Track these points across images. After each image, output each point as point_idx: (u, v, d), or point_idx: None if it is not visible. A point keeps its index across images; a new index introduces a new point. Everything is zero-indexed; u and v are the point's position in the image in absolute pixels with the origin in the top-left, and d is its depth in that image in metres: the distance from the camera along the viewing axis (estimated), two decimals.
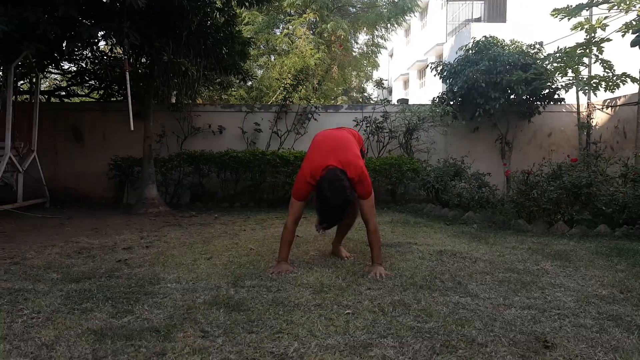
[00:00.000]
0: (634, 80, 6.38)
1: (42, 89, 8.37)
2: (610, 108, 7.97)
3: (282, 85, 9.21)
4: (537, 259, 3.48)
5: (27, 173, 6.73)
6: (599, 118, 8.21)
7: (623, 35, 6.47)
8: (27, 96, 7.67)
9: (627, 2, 6.10)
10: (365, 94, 10.74)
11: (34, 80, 7.03)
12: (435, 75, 8.50)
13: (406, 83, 25.96)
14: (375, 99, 10.10)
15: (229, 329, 2.02)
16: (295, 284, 2.72)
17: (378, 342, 1.87)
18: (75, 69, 8.53)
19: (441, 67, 8.27)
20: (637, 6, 6.10)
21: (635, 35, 6.21)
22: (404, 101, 9.55)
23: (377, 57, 16.62)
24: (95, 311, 2.28)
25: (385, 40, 16.12)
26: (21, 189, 6.55)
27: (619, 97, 7.72)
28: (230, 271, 3.06)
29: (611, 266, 3.26)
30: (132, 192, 7.63)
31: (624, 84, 6.50)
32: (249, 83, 10.57)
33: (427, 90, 18.05)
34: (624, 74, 6.44)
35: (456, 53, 8.37)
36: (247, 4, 6.31)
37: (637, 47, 6.19)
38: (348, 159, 2.97)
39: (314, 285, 2.69)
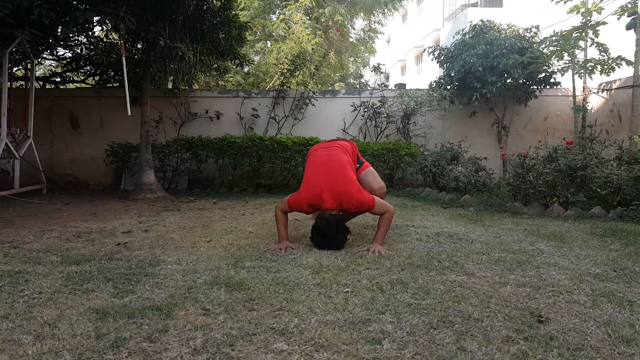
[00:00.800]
0: (629, 63, 6.39)
1: (37, 75, 8.29)
2: (605, 92, 7.99)
3: (280, 70, 9.15)
4: (533, 239, 3.53)
5: (24, 159, 6.71)
6: (595, 102, 8.23)
7: (619, 18, 6.48)
8: (22, 82, 7.61)
9: None
10: (363, 80, 10.67)
11: (29, 66, 6.96)
12: (432, 60, 8.47)
13: (403, 69, 25.84)
14: (373, 85, 10.07)
15: (230, 307, 2.05)
16: (294, 265, 2.76)
17: (376, 318, 1.91)
18: (70, 55, 8.45)
19: (438, 51, 8.24)
20: None
21: (630, 18, 6.22)
22: (401, 86, 9.53)
23: (374, 42, 16.51)
24: (97, 291, 2.31)
25: (382, 25, 16.01)
26: (18, 175, 6.53)
27: (614, 81, 7.73)
28: (230, 253, 3.09)
29: (605, 246, 3.31)
30: (129, 178, 7.63)
31: (619, 67, 6.52)
32: (246, 69, 10.51)
33: (424, 75, 18.00)
34: (619, 57, 6.45)
35: (453, 38, 8.33)
36: None
37: (632, 30, 6.21)
38: (343, 191, 3.15)
39: (313, 266, 2.73)
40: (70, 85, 9.71)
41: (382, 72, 10.25)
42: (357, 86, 9.46)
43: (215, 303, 2.10)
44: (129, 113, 5.56)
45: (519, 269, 2.68)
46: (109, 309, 2.05)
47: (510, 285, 2.38)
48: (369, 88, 9.26)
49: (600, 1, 6.59)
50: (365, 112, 8.18)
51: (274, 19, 13.41)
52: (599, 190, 4.75)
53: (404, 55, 24.64)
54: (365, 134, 8.30)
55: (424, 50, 9.02)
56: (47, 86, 9.18)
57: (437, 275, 2.54)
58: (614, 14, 6.45)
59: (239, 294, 2.23)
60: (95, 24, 6.03)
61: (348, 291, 2.26)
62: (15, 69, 7.28)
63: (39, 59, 8.42)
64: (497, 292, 2.26)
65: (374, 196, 3.25)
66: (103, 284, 2.43)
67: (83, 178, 8.14)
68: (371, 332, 1.76)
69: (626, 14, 6.34)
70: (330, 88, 14.52)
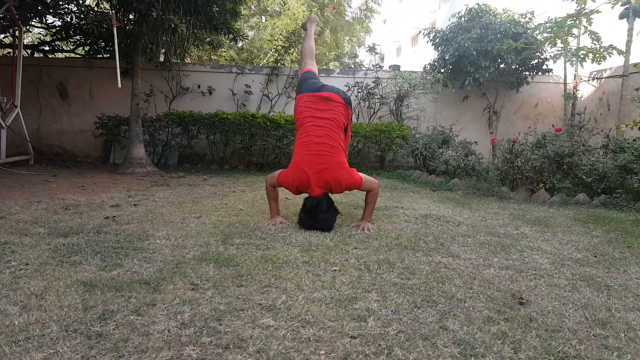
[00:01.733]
0: (620, 52, 6.42)
1: (25, 43, 8.08)
2: (596, 80, 8.03)
3: (274, 47, 9.03)
4: (518, 224, 3.59)
5: (10, 129, 6.60)
6: (585, 90, 8.28)
7: (612, 7, 6.48)
8: (10, 50, 7.41)
9: None
10: (358, 60, 10.58)
11: (17, 33, 6.78)
12: (427, 42, 8.41)
13: (399, 50, 25.63)
14: (368, 65, 10.00)
15: (218, 283, 2.08)
16: (284, 243, 2.78)
17: (362, 296, 1.95)
18: (60, 23, 8.23)
19: (433, 33, 8.18)
20: None
21: (623, 7, 6.22)
22: (395, 67, 9.47)
23: (370, 22, 16.33)
24: (84, 264, 2.31)
25: (379, 5, 15.80)
26: (4, 145, 6.44)
27: (605, 70, 7.77)
28: (219, 230, 3.10)
29: (587, 232, 3.39)
30: (118, 151, 7.56)
31: (610, 56, 6.55)
32: (240, 44, 10.35)
33: (420, 57, 17.87)
34: (610, 46, 6.48)
35: (449, 20, 8.27)
36: None
37: (625, 19, 6.22)
38: (332, 179, 3.13)
39: (302, 245, 2.76)
40: (60, 55, 9.49)
41: (377, 53, 10.16)
42: (352, 66, 9.39)
43: (204, 278, 2.13)
44: (119, 85, 5.47)
45: (502, 252, 2.74)
46: (96, 281, 2.06)
47: (494, 267, 2.44)
48: (363, 68, 9.20)
49: None
50: (359, 92, 8.14)
51: None
52: (584, 177, 4.82)
53: (400, 36, 24.41)
54: (359, 115, 8.28)
55: (420, 32, 8.94)
56: (36, 55, 8.96)
57: (423, 256, 2.58)
58: (608, 2, 6.44)
59: (228, 270, 2.25)
60: None
61: (336, 270, 2.30)
62: (2, 35, 7.09)
63: (27, 27, 8.19)
64: (480, 274, 2.31)
65: (361, 175, 3.27)
66: (91, 257, 2.43)
67: (71, 150, 8.04)
68: (357, 310, 1.80)
69: (620, 3, 6.34)
70: (324, 67, 14.37)
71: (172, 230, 3.08)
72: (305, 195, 3.28)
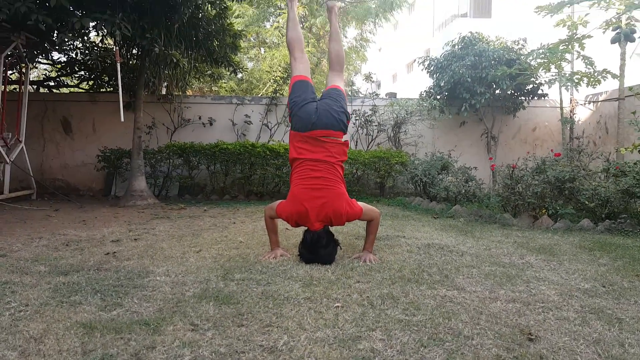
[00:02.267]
0: (614, 76, 6.50)
1: (31, 79, 8.23)
2: (592, 104, 8.11)
3: (273, 78, 9.17)
4: (522, 252, 3.55)
5: (14, 164, 6.63)
6: (582, 113, 8.35)
7: (604, 32, 6.60)
8: (16, 86, 7.54)
9: (607, 1, 6.23)
10: (355, 87, 10.74)
11: (23, 70, 6.90)
12: (422, 70, 8.55)
13: (395, 76, 26.01)
14: (364, 93, 10.14)
15: (218, 322, 2.03)
16: (284, 277, 2.75)
17: (366, 335, 1.90)
18: (65, 59, 8.41)
19: (428, 61, 8.32)
20: (617, 4, 6.22)
21: (615, 32, 6.35)
22: (392, 95, 9.58)
23: (366, 51, 16.63)
24: (84, 304, 2.28)
25: (374, 34, 16.15)
26: (8, 180, 6.46)
27: (600, 93, 7.86)
28: (219, 264, 3.07)
29: (594, 260, 3.34)
30: (120, 184, 7.58)
31: (604, 80, 6.64)
32: (240, 75, 10.51)
33: (416, 83, 18.11)
34: (604, 70, 6.57)
35: (443, 48, 8.43)
36: None
37: (617, 44, 6.33)
38: (332, 212, 3.07)
39: (303, 279, 2.72)
40: (64, 90, 9.64)
41: (373, 81, 10.31)
42: (349, 93, 9.51)
43: (204, 318, 2.08)
44: (122, 119, 5.53)
45: (508, 284, 2.70)
46: (96, 323, 2.02)
47: (501, 300, 2.39)
48: (360, 96, 9.31)
49: (586, 15, 6.73)
50: (357, 120, 8.21)
51: (268, 27, 13.46)
52: (587, 202, 4.80)
53: (396, 63, 24.83)
54: (357, 142, 8.33)
55: (414, 60, 9.10)
56: (41, 90, 9.10)
57: (427, 290, 2.54)
58: (599, 28, 6.58)
59: (228, 308, 2.22)
60: (91, 29, 6.01)
61: (338, 306, 2.25)
62: (9, 72, 7.22)
63: (34, 63, 8.36)
64: (487, 308, 2.26)
65: (361, 204, 3.23)
66: (91, 296, 2.40)
67: (73, 183, 8.06)
68: (361, 351, 1.76)
69: (611, 28, 6.47)
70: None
71: (172, 265, 3.04)
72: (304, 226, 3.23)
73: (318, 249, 3.03)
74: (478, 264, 3.16)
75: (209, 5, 6.58)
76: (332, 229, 3.26)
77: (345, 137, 3.33)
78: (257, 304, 2.27)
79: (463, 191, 6.04)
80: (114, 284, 2.60)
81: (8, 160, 6.45)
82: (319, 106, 3.24)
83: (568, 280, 2.81)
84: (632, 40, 6.29)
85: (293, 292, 2.45)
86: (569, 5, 6.62)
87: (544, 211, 4.99)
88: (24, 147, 6.80)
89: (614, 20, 6.39)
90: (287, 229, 4.36)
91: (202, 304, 2.27)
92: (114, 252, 3.42)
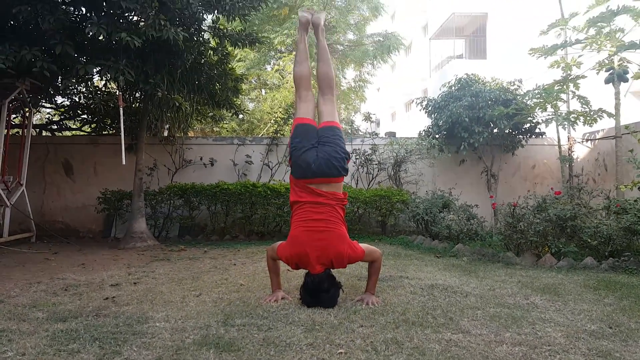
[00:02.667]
0: (610, 115, 6.62)
1: (34, 123, 8.38)
2: (590, 141, 8.22)
3: (273, 118, 9.34)
4: (527, 292, 3.51)
5: (15, 207, 6.65)
6: (580, 151, 8.44)
7: (597, 73, 6.77)
8: (19, 130, 7.67)
9: (599, 43, 6.43)
10: (354, 126, 10.93)
11: (27, 114, 7.05)
12: (420, 110, 8.72)
13: (393, 115, 26.48)
14: (364, 132, 10.30)
15: None
16: (286, 322, 2.70)
17: None
18: (68, 103, 8.58)
19: (426, 102, 8.50)
20: (608, 46, 6.41)
21: (607, 73, 6.52)
22: (391, 134, 9.73)
23: (364, 91, 17.02)
24: (82, 353, 2.23)
25: (372, 75, 16.57)
26: (7, 223, 6.45)
27: (598, 131, 7.97)
28: (220, 309, 3.02)
29: (599, 300, 3.29)
30: (120, 225, 7.56)
31: (600, 119, 6.74)
32: (241, 116, 10.71)
33: (414, 122, 18.44)
34: (600, 109, 6.69)
35: (440, 89, 8.64)
36: (239, 44, 6.48)
37: (610, 84, 6.49)
38: (335, 255, 3.03)
39: (305, 323, 2.67)
40: (67, 133, 9.79)
41: (372, 121, 10.50)
42: (349, 132, 9.66)
43: None
44: (124, 162, 5.58)
45: (514, 326, 2.65)
46: None
47: (506, 344, 2.35)
48: (360, 135, 9.46)
49: (579, 57, 6.92)
50: (357, 159, 8.30)
51: (269, 70, 13.84)
52: (589, 240, 4.78)
53: (394, 102, 25.35)
54: (358, 181, 8.37)
55: (412, 100, 9.30)
56: (44, 133, 9.24)
57: (432, 334, 2.49)
58: (593, 69, 6.75)
59: (229, 355, 2.17)
60: (95, 75, 6.18)
61: (342, 352, 2.21)
62: (13, 116, 7.37)
63: (38, 108, 8.54)
64: (493, 352, 2.22)
65: (363, 245, 3.20)
66: (89, 344, 2.35)
67: (73, 225, 8.05)
68: None
69: (604, 69, 6.64)
70: None
71: (171, 310, 3.00)
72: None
73: (320, 293, 2.98)
74: (483, 305, 3.12)
75: (211, 52, 6.80)
76: (334, 270, 3.23)
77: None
78: (258, 351, 2.23)
79: (465, 229, 6.02)
80: (113, 331, 2.56)
81: (8, 204, 6.48)
82: (319, 154, 3.16)
83: (574, 321, 2.77)
84: (625, 80, 6.44)
85: (295, 338, 2.41)
86: (561, 48, 6.83)
87: (546, 249, 4.96)
88: (25, 190, 6.83)
89: (606, 62, 6.57)
90: (288, 270, 4.30)
91: (202, 351, 2.23)
92: (113, 297, 3.38)
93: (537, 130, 8.17)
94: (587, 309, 3.05)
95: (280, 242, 3.29)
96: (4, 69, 4.60)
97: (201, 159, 8.28)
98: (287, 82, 12.21)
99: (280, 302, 3.14)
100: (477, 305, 3.11)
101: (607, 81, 6.56)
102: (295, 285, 3.71)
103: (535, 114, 7.54)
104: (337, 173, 3.18)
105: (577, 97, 6.87)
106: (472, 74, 8.36)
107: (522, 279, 4.01)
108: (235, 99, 7.77)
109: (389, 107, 26.50)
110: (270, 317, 2.80)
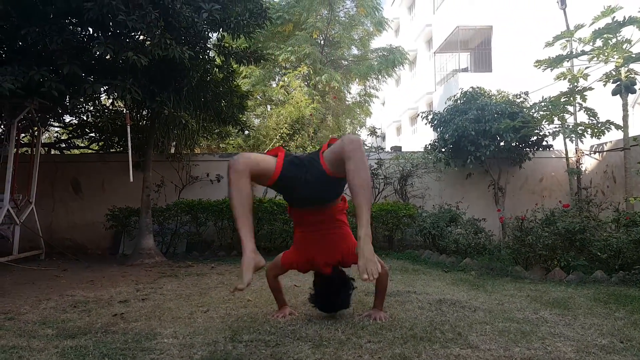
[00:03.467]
0: (617, 127, 6.58)
1: (42, 142, 8.51)
2: (598, 153, 8.17)
3: (279, 134, 9.42)
4: (536, 307, 3.47)
5: (24, 225, 6.72)
6: (588, 163, 8.39)
7: (604, 85, 6.75)
8: (28, 149, 7.79)
9: (606, 54, 6.42)
10: None
11: (36, 133, 7.16)
12: (426, 124, 8.74)
13: (399, 129, 26.53)
14: (369, 146, 10.35)
15: None
16: (294, 338, 2.69)
17: None
18: (76, 121, 8.73)
19: (432, 116, 8.53)
20: (615, 57, 6.41)
21: (615, 84, 6.50)
22: (397, 148, 9.76)
23: (369, 105, 17.13)
24: None
25: (377, 90, 16.69)
26: (17, 241, 6.52)
27: (605, 143, 7.93)
28: (227, 325, 3.03)
29: (610, 314, 3.25)
30: (128, 242, 7.60)
31: (608, 131, 6.70)
32: (247, 132, 10.82)
33: (420, 136, 18.49)
34: (607, 121, 6.66)
35: (445, 103, 8.67)
36: (244, 61, 6.59)
37: (618, 95, 6.47)
38: (340, 252, 3.01)
39: (313, 339, 2.66)
40: (75, 151, 9.93)
41: (378, 136, 10.56)
42: None
43: None
44: (132, 180, 5.65)
45: (523, 341, 2.63)
46: None
47: (516, 359, 2.32)
48: (365, 149, 9.50)
49: (586, 68, 6.92)
50: None
51: (274, 86, 14.00)
52: (599, 253, 4.73)
53: (399, 116, 25.42)
54: None
55: (418, 114, 9.34)
56: (52, 152, 9.38)
57: (440, 349, 2.48)
58: (599, 80, 6.74)
59: None
60: (102, 93, 6.29)
61: None
62: (22, 135, 7.49)
63: (46, 127, 8.67)
64: None
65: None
66: None
67: (82, 242, 8.10)
68: None
69: (611, 80, 6.62)
70: None
71: (179, 326, 3.01)
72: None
73: (331, 296, 2.96)
74: (491, 320, 3.09)
75: (217, 69, 6.91)
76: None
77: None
78: None
79: (473, 243, 5.99)
80: (122, 347, 2.56)
81: (18, 222, 6.55)
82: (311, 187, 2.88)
83: (584, 335, 2.73)
84: (633, 92, 6.40)
85: (303, 354, 2.40)
86: (567, 60, 6.83)
87: (555, 263, 4.92)
88: (34, 208, 6.91)
89: (613, 73, 6.55)
90: (295, 285, 4.31)
91: None
92: (122, 314, 3.39)
93: (544, 143, 8.15)
94: (598, 323, 3.01)
95: (280, 254, 3.31)
96: (13, 90, 4.69)
97: (208, 175, 8.34)
98: (292, 98, 12.33)
99: (287, 317, 3.13)
100: (486, 320, 3.08)
101: (614, 93, 6.53)
102: (302, 301, 3.71)
103: (542, 126, 7.52)
104: (330, 196, 3.04)
105: (584, 109, 6.86)
106: (478, 87, 8.39)
107: (531, 293, 3.97)
108: (241, 116, 7.86)
109: (394, 121, 26.57)
110: (278, 333, 2.80)
